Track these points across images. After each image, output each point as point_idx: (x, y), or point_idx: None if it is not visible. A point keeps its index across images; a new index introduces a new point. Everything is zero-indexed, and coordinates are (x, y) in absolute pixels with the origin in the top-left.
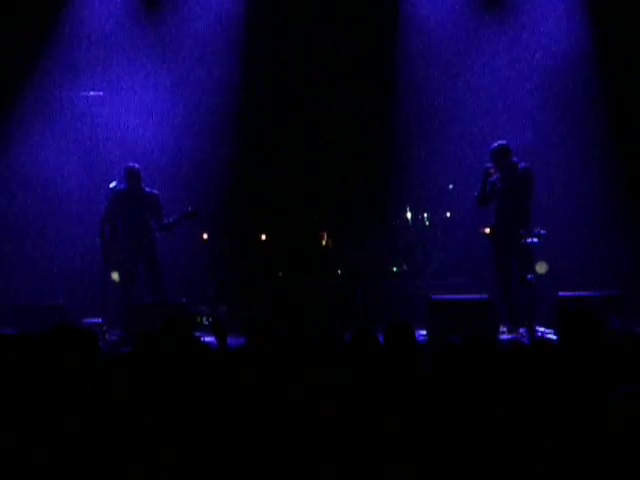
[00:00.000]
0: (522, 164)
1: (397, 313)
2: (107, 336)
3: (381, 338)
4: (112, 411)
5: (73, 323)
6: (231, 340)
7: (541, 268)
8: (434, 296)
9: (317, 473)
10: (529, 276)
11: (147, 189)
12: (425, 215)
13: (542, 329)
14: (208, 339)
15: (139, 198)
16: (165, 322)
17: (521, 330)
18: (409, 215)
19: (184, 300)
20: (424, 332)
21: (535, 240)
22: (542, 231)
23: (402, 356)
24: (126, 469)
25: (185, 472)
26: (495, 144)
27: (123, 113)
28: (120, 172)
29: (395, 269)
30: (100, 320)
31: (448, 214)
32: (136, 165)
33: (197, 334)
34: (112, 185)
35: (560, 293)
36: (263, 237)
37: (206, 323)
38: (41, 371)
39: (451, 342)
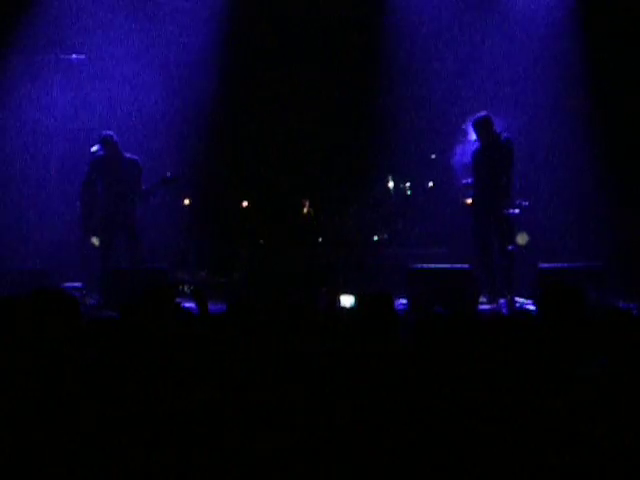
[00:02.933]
0: (504, 134)
1: (376, 283)
2: (87, 300)
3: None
4: (94, 376)
5: (55, 287)
6: (211, 307)
7: (522, 239)
8: (414, 265)
9: (298, 440)
10: (509, 247)
11: (127, 155)
12: (407, 185)
13: (521, 300)
14: (187, 305)
15: (118, 164)
16: (147, 288)
17: (500, 301)
18: (391, 185)
19: (164, 266)
20: (404, 301)
21: (516, 211)
22: (524, 202)
23: (380, 325)
24: (109, 436)
25: (167, 439)
26: (477, 115)
27: (105, 78)
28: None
29: (376, 238)
30: (80, 284)
31: (430, 184)
32: (110, 132)
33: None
34: (93, 149)
35: (540, 264)
36: (245, 204)
37: (187, 291)
38: (20, 334)
39: (436, 312)
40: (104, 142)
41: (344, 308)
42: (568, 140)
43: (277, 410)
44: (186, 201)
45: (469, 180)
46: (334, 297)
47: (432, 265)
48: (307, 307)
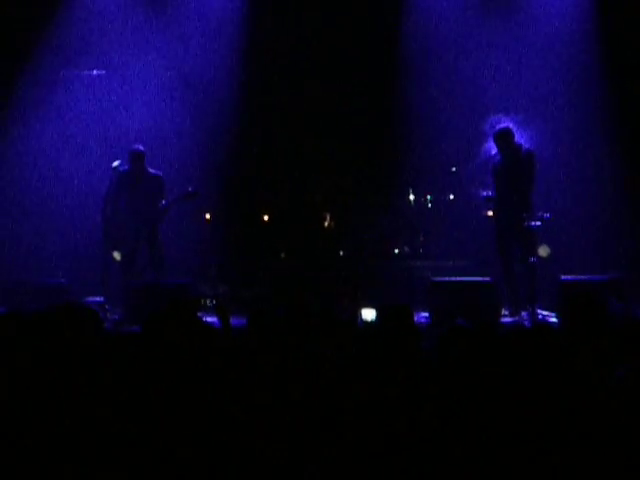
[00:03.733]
0: (525, 146)
1: (398, 295)
2: (109, 315)
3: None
4: (116, 391)
5: (77, 302)
6: (233, 321)
7: (543, 251)
8: (436, 278)
9: (317, 453)
10: (531, 259)
11: (151, 171)
12: (428, 197)
13: (543, 312)
14: (209, 319)
15: (142, 180)
16: (169, 303)
17: (522, 313)
18: (412, 197)
19: (186, 280)
20: (426, 314)
21: (538, 223)
22: (546, 215)
23: (401, 337)
24: (131, 449)
25: (189, 450)
26: (498, 127)
27: (125, 93)
28: (122, 151)
29: (397, 251)
30: (101, 299)
31: (451, 196)
32: (140, 147)
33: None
34: (115, 164)
35: (562, 277)
36: (265, 218)
37: (209, 305)
38: (43, 349)
39: (458, 325)
40: (132, 157)
41: (366, 322)
42: (589, 151)
43: (298, 422)
44: (207, 215)
45: (490, 192)
46: (355, 310)
47: (454, 278)
48: (328, 316)
